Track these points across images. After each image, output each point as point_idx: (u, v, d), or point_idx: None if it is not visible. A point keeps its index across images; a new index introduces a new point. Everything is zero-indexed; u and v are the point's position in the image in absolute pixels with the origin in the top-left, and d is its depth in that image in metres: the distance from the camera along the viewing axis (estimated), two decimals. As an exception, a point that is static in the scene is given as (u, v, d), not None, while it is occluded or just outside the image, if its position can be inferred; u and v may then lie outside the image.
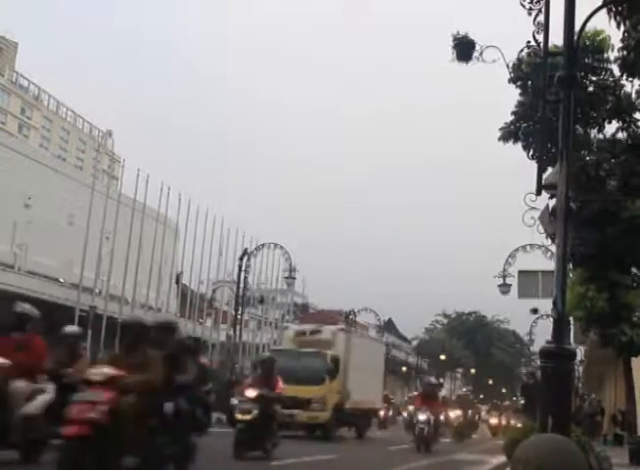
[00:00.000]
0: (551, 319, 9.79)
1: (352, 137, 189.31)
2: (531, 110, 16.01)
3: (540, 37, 10.51)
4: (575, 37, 9.87)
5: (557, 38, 10.32)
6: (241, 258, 45.24)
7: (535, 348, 55.61)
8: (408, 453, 22.61)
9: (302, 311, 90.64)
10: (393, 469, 17.45)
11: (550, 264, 25.31)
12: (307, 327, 30.34)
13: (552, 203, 13.72)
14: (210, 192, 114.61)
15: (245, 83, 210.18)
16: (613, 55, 16.47)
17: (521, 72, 16.02)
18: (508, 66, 13.20)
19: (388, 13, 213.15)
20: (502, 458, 16.69)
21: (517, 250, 35.69)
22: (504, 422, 45.63)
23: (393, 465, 18.11)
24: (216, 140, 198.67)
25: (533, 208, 13.67)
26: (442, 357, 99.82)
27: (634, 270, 19.62)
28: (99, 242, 41.71)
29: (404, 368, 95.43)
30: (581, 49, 13.75)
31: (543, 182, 10.95)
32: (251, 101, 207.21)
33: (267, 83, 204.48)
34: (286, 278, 46.77)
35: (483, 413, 51.25)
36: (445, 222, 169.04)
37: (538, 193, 11.19)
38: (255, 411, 16.05)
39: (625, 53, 15.95)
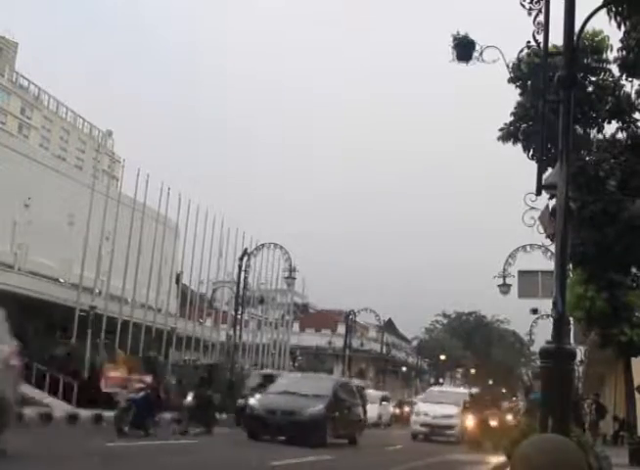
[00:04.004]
0: (551, 319, 9.81)
1: (353, 138, 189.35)
2: (531, 110, 16.02)
3: (540, 37, 10.53)
4: (575, 37, 9.88)
5: (557, 38, 10.35)
6: (241, 259, 45.29)
7: (535, 348, 55.69)
8: (406, 454, 22.67)
9: (302, 312, 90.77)
10: (393, 469, 17.48)
11: (550, 264, 25.35)
12: None
13: (552, 203, 13.77)
14: (210, 192, 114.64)
15: (245, 82, 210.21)
16: (612, 55, 16.49)
17: (520, 73, 16.03)
18: (508, 66, 13.22)
19: (389, 12, 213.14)
20: (502, 458, 16.72)
21: (517, 250, 35.77)
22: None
23: (393, 465, 18.14)
24: (216, 140, 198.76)
25: (533, 208, 13.71)
26: (442, 357, 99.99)
27: (634, 270, 19.65)
28: (99, 242, 41.68)
29: (404, 368, 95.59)
30: (581, 49, 13.77)
31: (543, 182, 10.97)
32: (251, 100, 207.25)
33: (267, 80, 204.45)
34: (286, 278, 46.84)
35: None
36: (447, 223, 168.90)
37: (538, 193, 11.22)
38: None
39: (625, 53, 15.98)
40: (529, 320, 51.34)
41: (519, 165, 18.32)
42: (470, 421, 29.79)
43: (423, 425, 32.87)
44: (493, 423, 30.53)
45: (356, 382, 38.74)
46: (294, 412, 21.61)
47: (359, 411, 26.47)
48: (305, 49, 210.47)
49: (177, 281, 52.96)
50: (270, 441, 21.38)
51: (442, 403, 32.66)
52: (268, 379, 29.57)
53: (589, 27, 13.93)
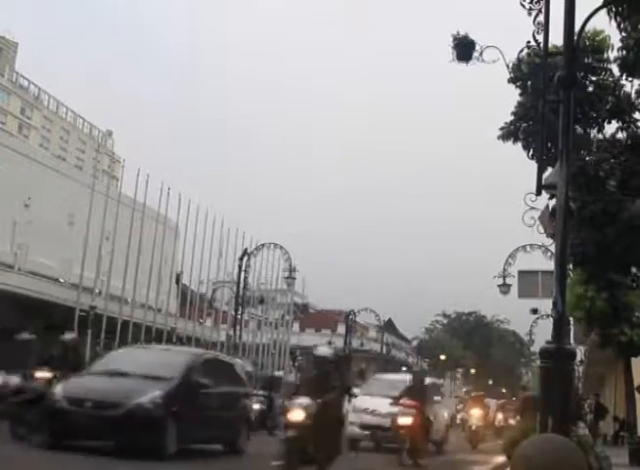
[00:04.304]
0: (551, 319, 9.81)
1: (353, 138, 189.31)
2: (531, 110, 16.02)
3: (540, 37, 10.53)
4: (575, 37, 9.88)
5: (557, 38, 10.35)
6: (241, 259, 45.29)
7: (535, 348, 55.66)
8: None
9: (302, 312, 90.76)
10: (394, 469, 17.45)
11: (550, 264, 25.34)
12: None
13: (552, 203, 13.76)
14: (210, 192, 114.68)
15: (245, 82, 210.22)
16: (612, 55, 16.50)
17: (520, 73, 16.03)
18: (508, 66, 13.21)
19: (389, 12, 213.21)
20: (502, 458, 16.72)
21: (517, 250, 35.75)
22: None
23: (394, 465, 18.08)
24: (216, 140, 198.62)
25: (533, 208, 13.71)
26: (442, 357, 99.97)
27: (634, 270, 19.64)
28: (99, 242, 41.73)
29: (404, 368, 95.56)
30: (581, 49, 13.77)
31: (543, 182, 10.97)
32: (251, 100, 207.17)
33: (267, 80, 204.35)
34: (286, 278, 46.82)
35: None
36: (447, 223, 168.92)
37: (538, 193, 11.22)
38: None
39: (625, 53, 15.99)
40: (530, 320, 51.36)
41: (519, 165, 18.36)
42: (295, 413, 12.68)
43: (363, 427, 21.96)
44: (404, 421, 18.64)
45: (241, 362, 25.62)
46: (111, 403, 13.76)
47: (244, 406, 18.22)
48: (305, 49, 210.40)
49: (177, 281, 52.98)
50: (75, 450, 13.52)
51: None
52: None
53: (590, 27, 13.95)
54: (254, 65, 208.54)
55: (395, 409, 19.06)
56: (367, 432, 22.19)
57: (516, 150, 17.47)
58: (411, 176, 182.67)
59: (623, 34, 14.98)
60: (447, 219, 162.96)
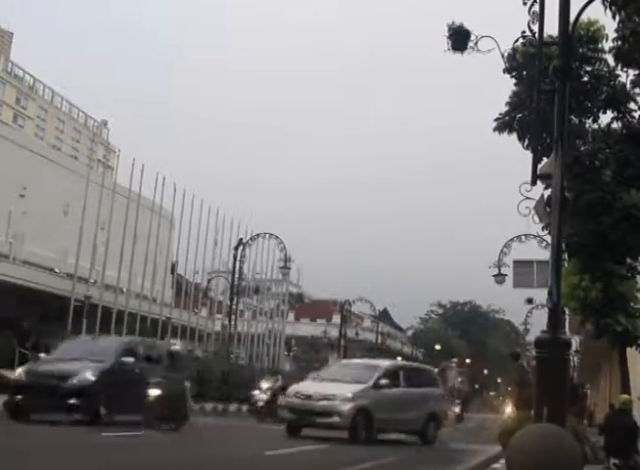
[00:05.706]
0: (546, 309, 9.81)
1: (351, 128, 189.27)
2: (527, 100, 16.00)
3: (535, 27, 10.51)
4: (570, 27, 9.87)
5: (552, 28, 10.34)
6: (236, 248, 45.30)
7: (531, 337, 55.85)
8: (401, 443, 22.62)
9: (298, 301, 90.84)
10: (388, 458, 17.47)
11: (545, 254, 25.36)
12: None
13: (547, 193, 13.78)
14: (206, 182, 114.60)
15: (244, 68, 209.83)
16: (607, 45, 16.47)
17: (516, 63, 16.01)
18: (503, 56, 13.20)
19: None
20: (497, 448, 16.76)
21: (512, 239, 35.77)
22: None
23: (388, 455, 18.12)
24: (212, 129, 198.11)
25: (529, 197, 13.72)
26: (437, 347, 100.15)
27: (629, 260, 19.64)
28: (94, 232, 41.66)
29: (399, 358, 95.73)
30: (576, 39, 13.75)
31: (538, 172, 10.98)
32: (248, 88, 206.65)
33: (266, 71, 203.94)
34: (281, 268, 46.85)
35: None
36: (443, 210, 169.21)
37: (533, 183, 11.25)
38: None
39: (620, 43, 15.95)
40: (525, 310, 51.51)
41: (515, 154, 18.37)
42: None
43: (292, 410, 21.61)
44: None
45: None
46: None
47: None
48: (304, 45, 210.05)
49: (172, 271, 52.92)
50: None
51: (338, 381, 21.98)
52: None
53: (585, 17, 13.93)
54: (252, 54, 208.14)
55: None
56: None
57: (511, 140, 17.47)
58: (408, 164, 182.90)
59: (619, 24, 14.95)
60: (445, 208, 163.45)
